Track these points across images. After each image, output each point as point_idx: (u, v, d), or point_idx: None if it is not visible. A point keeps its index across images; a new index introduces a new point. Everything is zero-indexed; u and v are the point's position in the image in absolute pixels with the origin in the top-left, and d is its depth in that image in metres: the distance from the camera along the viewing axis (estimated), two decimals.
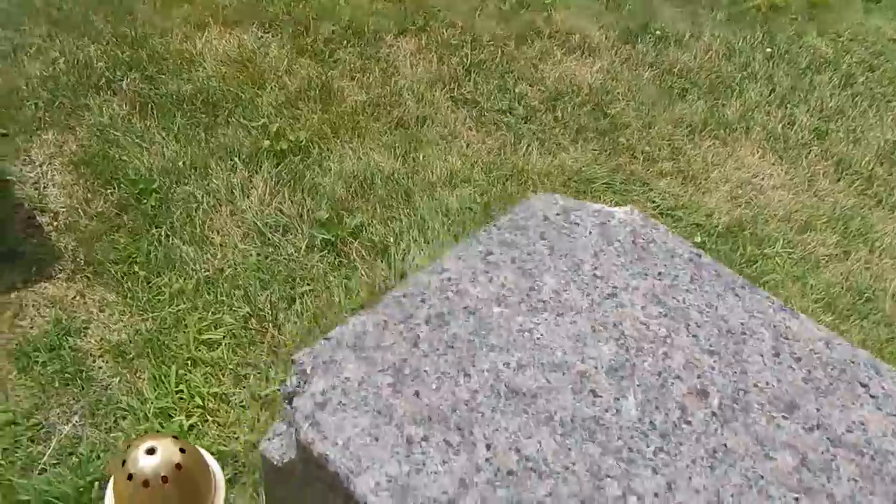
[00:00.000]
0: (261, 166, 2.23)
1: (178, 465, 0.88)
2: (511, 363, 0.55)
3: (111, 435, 1.62)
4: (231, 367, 1.75)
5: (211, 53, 2.62)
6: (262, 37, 2.74)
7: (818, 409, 0.55)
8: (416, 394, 0.53)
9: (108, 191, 2.09)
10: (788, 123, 2.92)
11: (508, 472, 0.49)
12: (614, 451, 0.51)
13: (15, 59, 2.43)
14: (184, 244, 2.00)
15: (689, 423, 0.52)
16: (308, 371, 0.54)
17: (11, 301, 1.81)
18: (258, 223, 2.08)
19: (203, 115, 2.37)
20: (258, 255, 2.02)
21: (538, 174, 2.41)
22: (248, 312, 1.87)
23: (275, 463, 0.58)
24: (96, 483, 1.52)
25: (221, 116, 2.38)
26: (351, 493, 0.49)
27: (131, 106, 2.35)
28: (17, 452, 1.54)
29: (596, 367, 0.55)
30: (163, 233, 2.00)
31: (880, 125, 3.01)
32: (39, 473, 1.51)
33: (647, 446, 0.51)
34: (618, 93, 2.87)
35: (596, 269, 0.62)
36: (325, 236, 2.05)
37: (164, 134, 2.28)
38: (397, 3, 3.04)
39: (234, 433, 1.65)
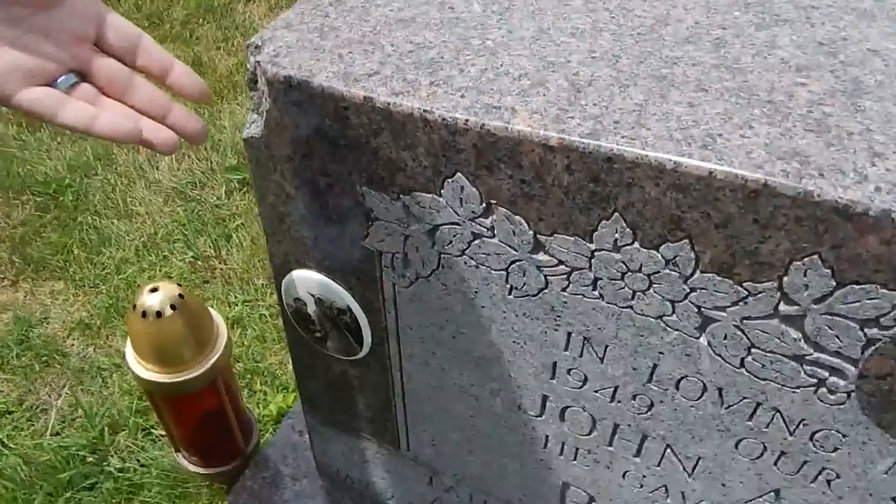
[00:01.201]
0: None
1: (181, 296, 1.11)
2: (394, 7, 0.84)
3: (104, 392, 1.79)
4: None
5: None
6: None
7: None
8: (336, 36, 0.81)
9: (24, 198, 2.13)
10: None
11: (409, 51, 0.78)
12: (474, 26, 0.81)
13: None
14: (113, 221, 2.17)
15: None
16: (260, 44, 0.80)
17: None
18: (176, 187, 2.26)
19: None
20: (185, 210, 2.20)
21: None
22: (192, 257, 2.04)
23: (257, 137, 0.84)
24: (106, 429, 1.69)
25: None
26: (311, 87, 0.76)
27: (18, 125, 2.37)
28: (21, 433, 1.61)
29: None
30: (89, 218, 2.08)
31: None
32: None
33: (491, 20, 0.82)
34: None
35: None
36: (239, 177, 2.22)
37: (58, 140, 2.31)
38: None
39: None
